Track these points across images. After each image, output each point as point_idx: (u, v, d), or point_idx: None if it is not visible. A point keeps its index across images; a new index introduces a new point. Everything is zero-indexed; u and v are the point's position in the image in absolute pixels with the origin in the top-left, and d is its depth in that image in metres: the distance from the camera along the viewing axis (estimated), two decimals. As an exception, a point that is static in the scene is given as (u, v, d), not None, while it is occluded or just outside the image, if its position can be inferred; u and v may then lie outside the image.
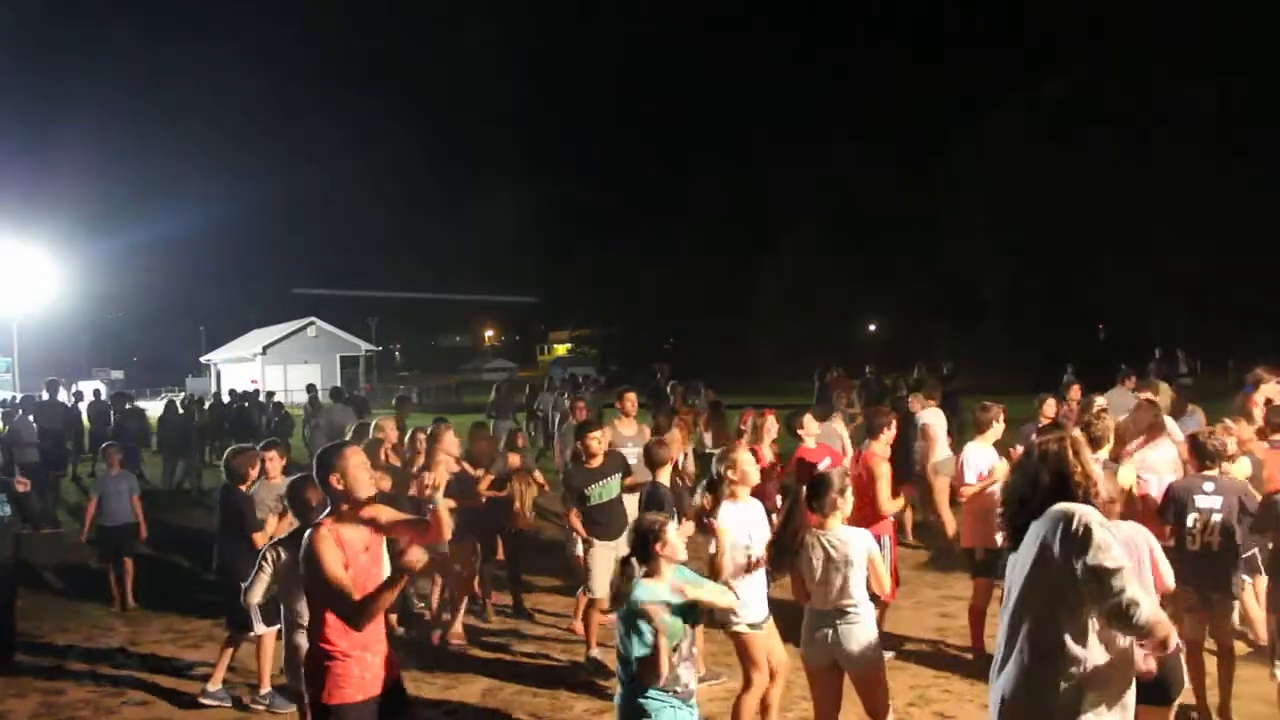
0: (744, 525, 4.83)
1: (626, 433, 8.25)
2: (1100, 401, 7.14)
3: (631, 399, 8.80)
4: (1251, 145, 39.06)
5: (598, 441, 6.56)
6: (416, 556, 3.40)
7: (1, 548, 6.78)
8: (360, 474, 3.66)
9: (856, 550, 4.32)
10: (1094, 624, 2.82)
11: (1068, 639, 2.81)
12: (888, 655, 6.20)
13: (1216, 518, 4.98)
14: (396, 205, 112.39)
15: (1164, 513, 5.17)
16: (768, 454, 7.25)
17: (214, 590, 8.21)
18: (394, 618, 6.89)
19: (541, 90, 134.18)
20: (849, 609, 4.30)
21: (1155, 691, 3.76)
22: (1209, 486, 5.05)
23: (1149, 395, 7.80)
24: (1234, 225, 38.05)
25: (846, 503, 4.45)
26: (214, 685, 5.99)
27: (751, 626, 4.80)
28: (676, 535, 3.83)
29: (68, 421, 15.99)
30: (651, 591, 3.70)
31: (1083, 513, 2.86)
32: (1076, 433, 3.31)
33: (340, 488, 3.63)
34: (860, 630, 4.31)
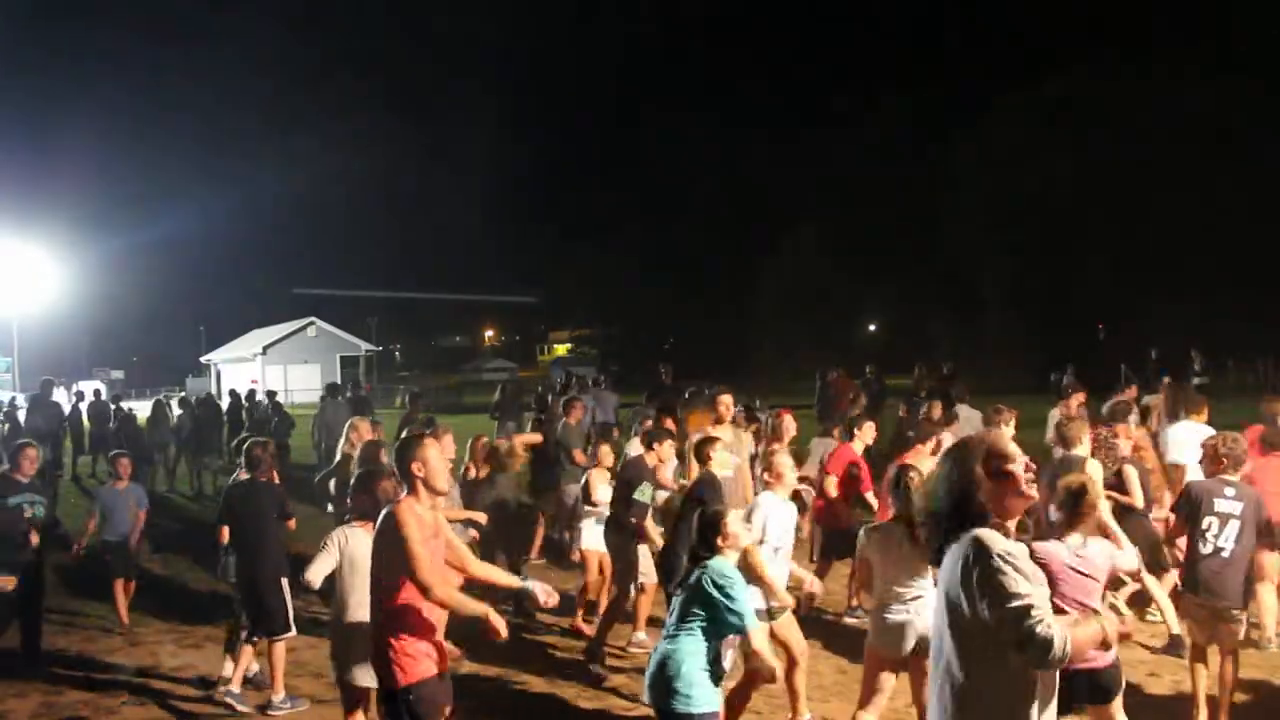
0: (777, 521, 5.04)
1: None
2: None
3: (726, 403, 7.58)
4: (1252, 145, 39.05)
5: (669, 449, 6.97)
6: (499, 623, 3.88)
7: (34, 551, 6.51)
8: (440, 465, 3.93)
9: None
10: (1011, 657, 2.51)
11: (982, 681, 2.56)
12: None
13: (1234, 524, 4.93)
14: (396, 205, 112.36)
15: (1178, 509, 5.17)
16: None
17: (213, 591, 8.22)
18: None
19: (542, 90, 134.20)
20: (922, 593, 4.43)
21: (1099, 693, 3.86)
22: (1230, 491, 5.01)
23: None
24: (1234, 225, 38.03)
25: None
26: (236, 686, 5.93)
27: (770, 614, 4.99)
28: (738, 525, 4.05)
29: (62, 422, 15.97)
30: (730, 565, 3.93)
31: (984, 545, 2.53)
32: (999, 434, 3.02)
33: (420, 474, 3.86)
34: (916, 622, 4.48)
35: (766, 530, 4.99)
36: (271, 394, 20.77)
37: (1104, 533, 4.60)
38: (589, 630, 6.85)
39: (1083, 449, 6.06)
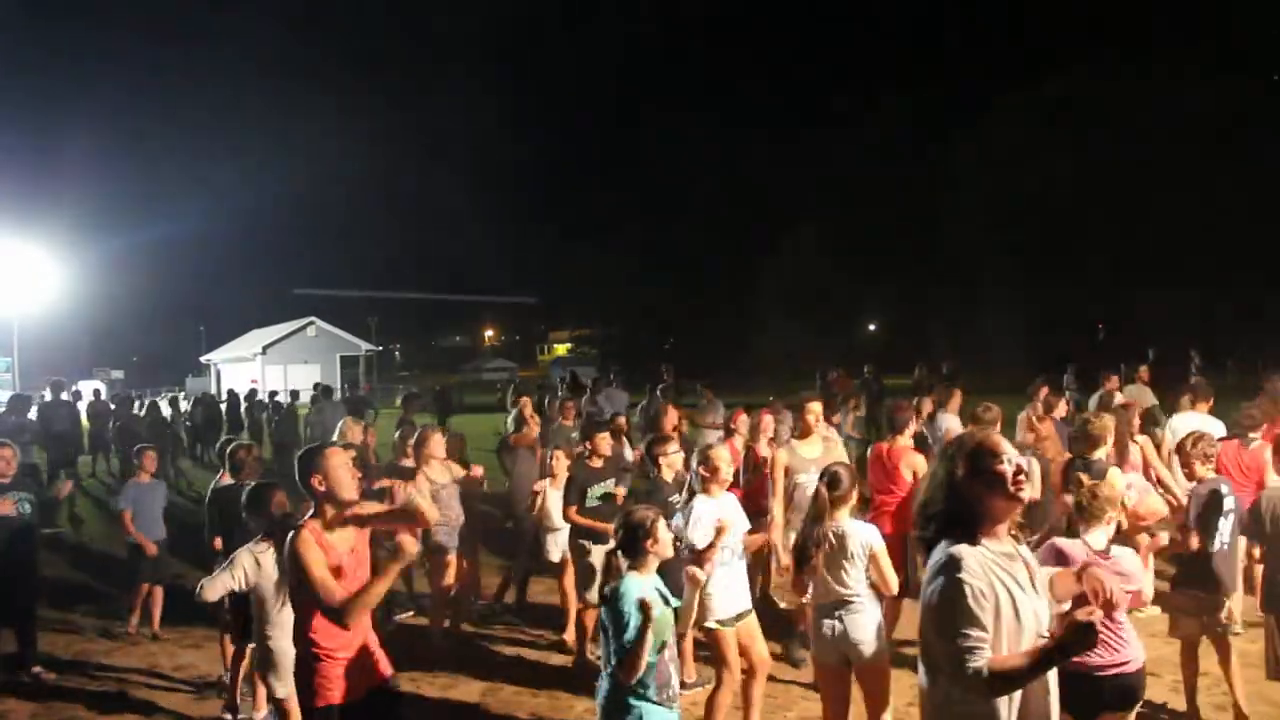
0: (713, 520, 4.83)
1: (809, 454, 6.36)
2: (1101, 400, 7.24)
3: (816, 411, 6.60)
4: (1252, 145, 39.06)
5: (605, 442, 6.63)
6: (410, 544, 3.44)
7: (23, 550, 6.40)
8: (343, 474, 3.63)
9: (859, 543, 4.39)
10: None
11: (941, 689, 2.51)
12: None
13: (1232, 517, 5.06)
14: (396, 205, 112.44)
15: (1188, 514, 5.18)
16: (765, 451, 7.25)
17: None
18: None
19: (542, 90, 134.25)
20: (851, 599, 4.35)
21: (1122, 697, 3.77)
22: (1225, 488, 5.13)
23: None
24: (1234, 225, 38.05)
25: (854, 495, 4.58)
26: (260, 713, 5.59)
27: (720, 623, 4.82)
28: (666, 532, 3.81)
29: (78, 422, 15.98)
30: (640, 585, 3.68)
31: (952, 562, 2.44)
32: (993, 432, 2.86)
33: (323, 489, 3.60)
34: (865, 619, 4.35)
35: (697, 534, 4.75)
36: (272, 394, 20.80)
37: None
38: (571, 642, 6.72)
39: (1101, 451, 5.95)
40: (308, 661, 3.58)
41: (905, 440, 6.48)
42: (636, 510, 3.86)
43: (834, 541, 4.40)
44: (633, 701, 3.58)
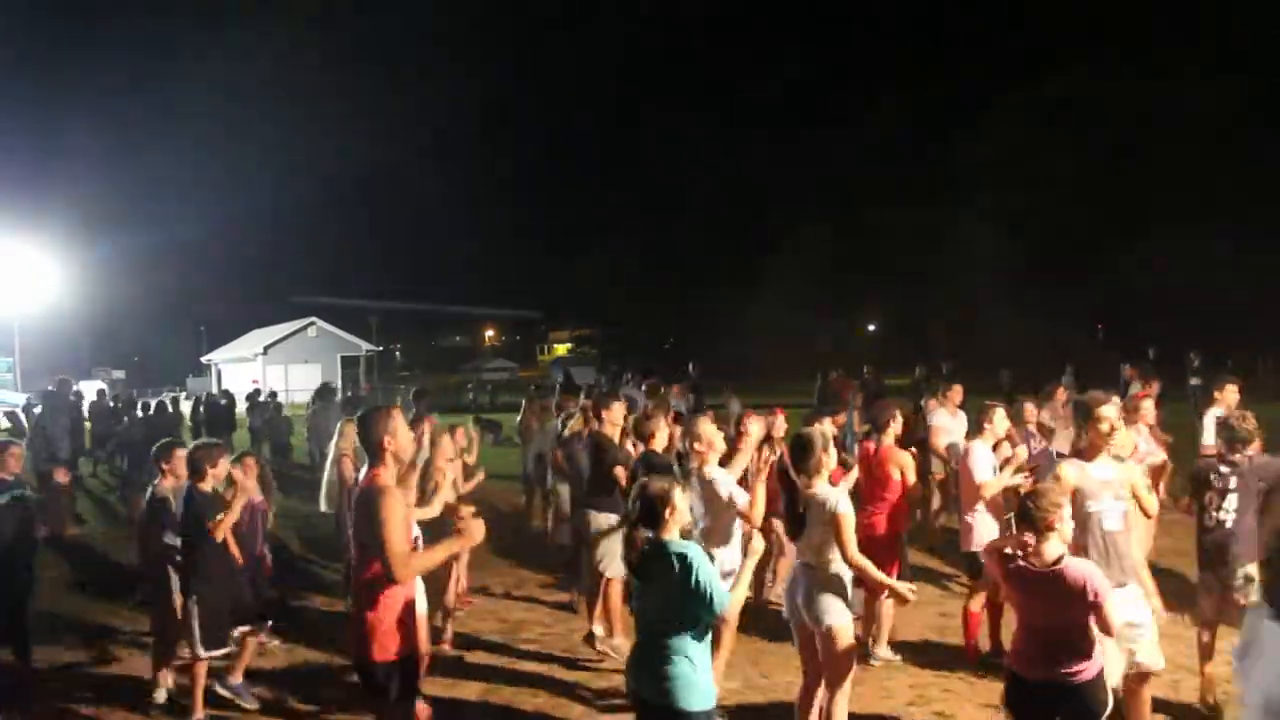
0: (733, 481, 5.01)
1: (1103, 475, 4.87)
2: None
3: (1110, 418, 5.23)
4: (1252, 145, 39.08)
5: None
6: (477, 529, 3.85)
7: (21, 548, 6.29)
8: (407, 434, 3.90)
9: (828, 509, 4.40)
10: None
11: None
12: (894, 658, 6.27)
13: (1232, 497, 5.12)
14: (397, 207, 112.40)
15: (1187, 490, 5.31)
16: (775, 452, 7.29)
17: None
18: None
19: (542, 90, 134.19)
20: (818, 566, 4.39)
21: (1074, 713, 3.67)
22: (1225, 468, 5.20)
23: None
24: (1233, 225, 38.07)
25: (830, 460, 4.58)
26: (236, 679, 5.87)
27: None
28: (683, 500, 3.85)
29: (82, 421, 15.99)
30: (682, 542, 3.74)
31: None
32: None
33: (392, 448, 3.82)
34: (828, 591, 4.37)
35: (736, 493, 4.91)
36: (273, 394, 20.82)
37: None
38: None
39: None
40: (365, 615, 3.73)
41: (889, 440, 6.50)
42: (652, 482, 3.87)
43: (809, 510, 4.45)
44: (697, 663, 3.62)
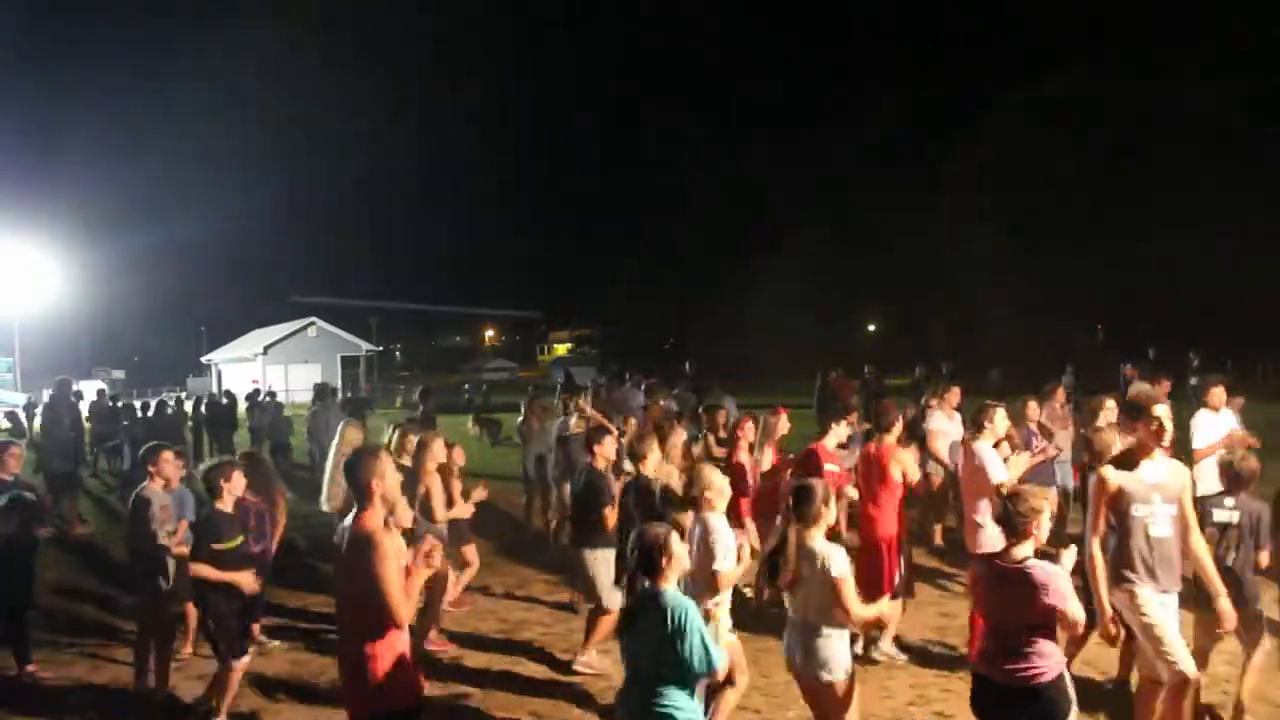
0: (733, 539, 4.83)
1: (1152, 478, 4.57)
2: (1110, 404, 7.23)
3: (1163, 415, 4.84)
4: (1252, 145, 39.09)
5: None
6: (439, 563, 3.86)
7: (21, 548, 6.38)
8: (395, 476, 3.87)
9: (824, 569, 4.19)
10: None
11: None
12: (899, 655, 6.28)
13: (1232, 533, 4.98)
14: (397, 207, 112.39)
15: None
16: (766, 456, 7.31)
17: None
18: None
19: (542, 90, 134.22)
20: (815, 623, 4.22)
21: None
22: (1229, 502, 5.05)
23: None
24: (1233, 225, 38.08)
25: (830, 514, 4.37)
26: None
27: (729, 636, 4.88)
28: (680, 545, 3.77)
29: (83, 421, 15.97)
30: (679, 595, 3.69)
31: None
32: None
33: (380, 490, 3.77)
34: (823, 648, 4.21)
35: (721, 551, 4.74)
36: (272, 394, 20.82)
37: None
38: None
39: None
40: (365, 665, 3.65)
41: (892, 440, 6.48)
42: (650, 528, 3.81)
43: (808, 563, 4.24)
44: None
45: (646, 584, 3.71)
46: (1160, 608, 4.39)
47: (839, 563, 4.17)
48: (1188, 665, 4.35)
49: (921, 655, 6.34)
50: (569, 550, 6.99)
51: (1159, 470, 4.42)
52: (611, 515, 6.27)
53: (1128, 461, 4.49)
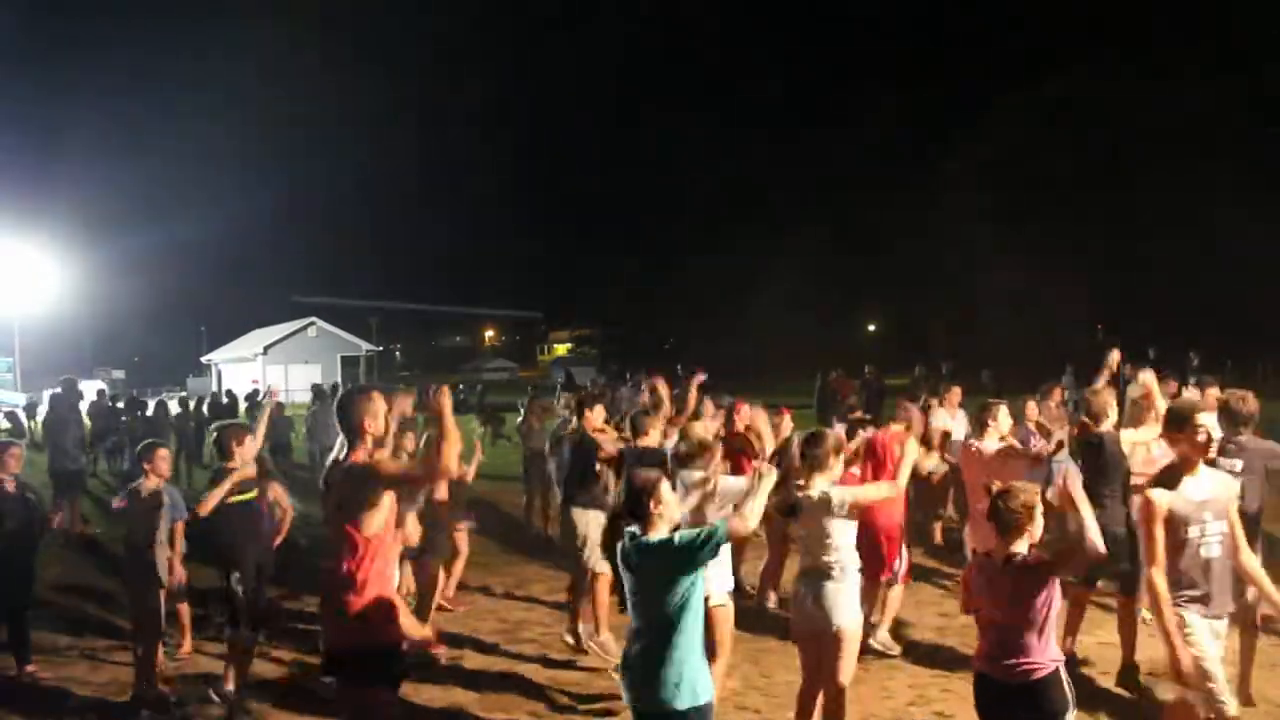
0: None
1: (1198, 494, 4.37)
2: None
3: (1207, 427, 5.38)
4: (1252, 145, 39.10)
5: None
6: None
7: (21, 547, 6.37)
8: (383, 415, 3.99)
9: (834, 501, 4.40)
10: None
11: None
12: (894, 647, 6.28)
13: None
14: (397, 207, 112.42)
15: None
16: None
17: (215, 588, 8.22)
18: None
19: (542, 90, 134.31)
20: (831, 567, 4.37)
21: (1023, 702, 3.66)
22: (1231, 448, 5.05)
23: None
24: (1233, 226, 38.07)
25: (837, 464, 4.57)
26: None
27: (720, 604, 4.93)
28: (670, 493, 3.72)
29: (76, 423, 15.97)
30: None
31: None
32: None
33: (372, 430, 3.91)
34: (841, 588, 4.35)
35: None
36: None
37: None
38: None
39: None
40: (347, 598, 3.71)
41: (899, 427, 6.51)
42: (639, 473, 3.78)
43: (812, 505, 4.42)
44: (696, 658, 3.57)
45: (634, 533, 3.62)
46: (1212, 639, 4.02)
47: (838, 490, 4.44)
48: (1232, 705, 4.06)
49: (921, 655, 6.34)
50: (560, 516, 6.97)
51: (1206, 484, 4.06)
52: (605, 474, 6.36)
53: (1170, 479, 4.07)
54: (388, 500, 3.79)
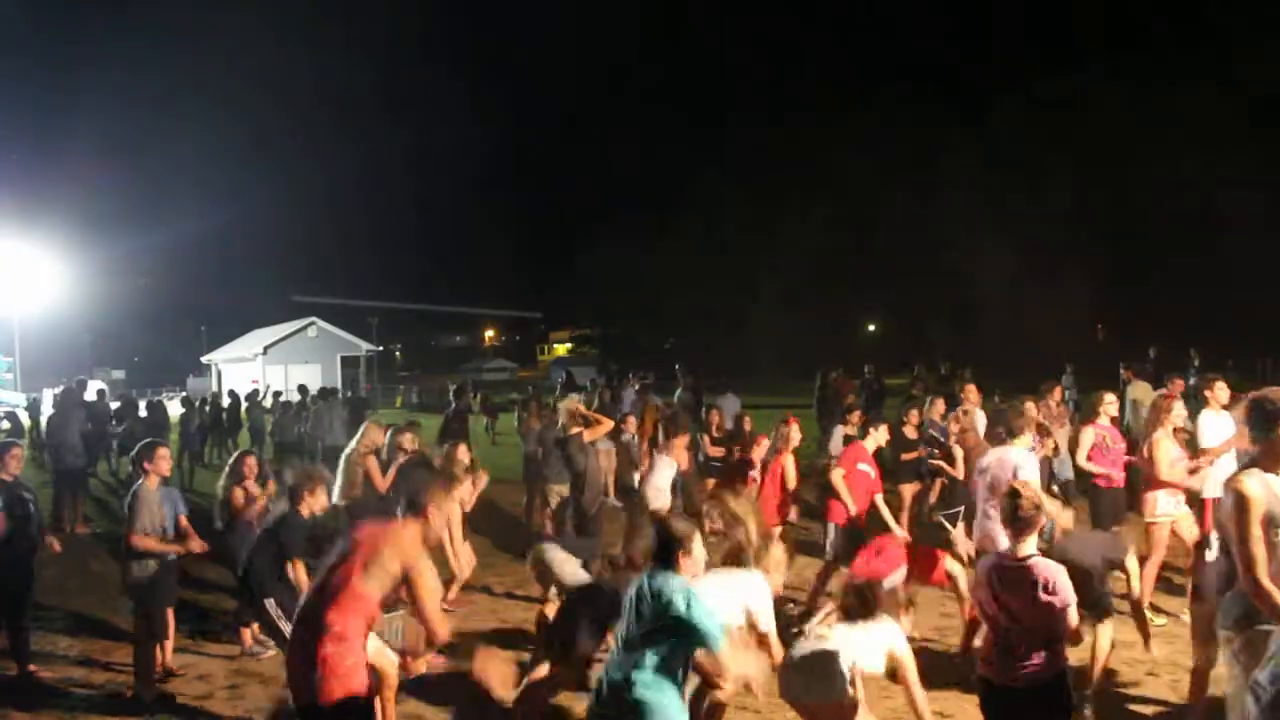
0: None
1: None
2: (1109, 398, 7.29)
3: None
4: (1252, 145, 39.10)
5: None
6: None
7: (21, 547, 6.38)
8: (445, 510, 4.10)
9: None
10: None
11: None
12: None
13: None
14: (396, 208, 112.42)
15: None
16: (789, 466, 7.41)
17: (217, 586, 8.23)
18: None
19: (542, 91, 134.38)
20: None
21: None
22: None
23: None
24: (1233, 225, 38.08)
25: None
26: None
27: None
28: (701, 550, 3.68)
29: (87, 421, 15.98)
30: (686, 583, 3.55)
31: None
32: None
33: (433, 519, 3.95)
34: (828, 670, 4.35)
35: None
36: (277, 394, 20.87)
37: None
38: None
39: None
40: (325, 651, 3.61)
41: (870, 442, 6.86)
42: (678, 521, 3.77)
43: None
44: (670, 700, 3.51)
45: (650, 571, 3.59)
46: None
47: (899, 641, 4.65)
48: None
49: (921, 656, 6.32)
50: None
51: None
52: (604, 474, 6.55)
53: (1263, 474, 3.64)
54: (397, 578, 3.73)
